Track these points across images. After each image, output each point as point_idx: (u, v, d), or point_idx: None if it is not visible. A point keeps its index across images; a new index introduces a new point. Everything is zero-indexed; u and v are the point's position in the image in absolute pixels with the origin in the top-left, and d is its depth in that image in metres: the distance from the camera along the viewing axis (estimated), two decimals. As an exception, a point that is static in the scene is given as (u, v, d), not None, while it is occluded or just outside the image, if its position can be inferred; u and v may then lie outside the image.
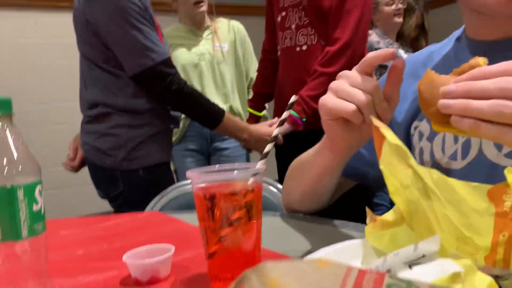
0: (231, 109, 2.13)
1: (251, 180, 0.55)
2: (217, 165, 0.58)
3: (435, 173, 0.42)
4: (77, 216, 0.95)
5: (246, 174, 0.54)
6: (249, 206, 0.54)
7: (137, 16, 1.36)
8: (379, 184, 0.84)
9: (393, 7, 2.45)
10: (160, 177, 1.52)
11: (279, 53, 1.75)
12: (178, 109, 1.53)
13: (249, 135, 1.60)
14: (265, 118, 2.08)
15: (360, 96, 0.57)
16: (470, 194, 0.40)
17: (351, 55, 1.56)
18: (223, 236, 0.54)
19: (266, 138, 1.61)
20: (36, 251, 0.48)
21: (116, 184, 1.47)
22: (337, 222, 0.80)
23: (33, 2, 3.26)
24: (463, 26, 0.72)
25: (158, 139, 1.52)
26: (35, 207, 0.48)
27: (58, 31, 3.33)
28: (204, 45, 2.10)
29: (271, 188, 1.26)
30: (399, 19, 2.47)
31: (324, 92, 1.71)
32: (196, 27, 2.13)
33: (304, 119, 1.59)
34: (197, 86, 2.07)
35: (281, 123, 0.57)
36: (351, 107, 0.57)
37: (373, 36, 2.43)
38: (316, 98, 1.56)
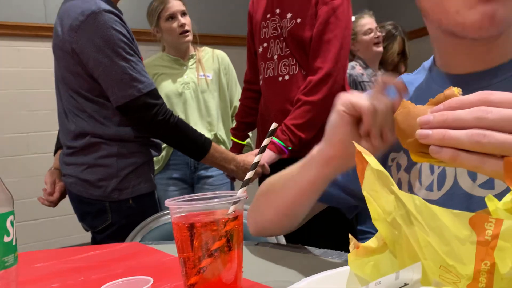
0: (215, 137, 2.12)
1: (231, 209, 0.54)
2: (196, 194, 0.57)
3: (418, 199, 0.42)
4: (57, 248, 0.92)
5: (226, 202, 0.54)
6: (230, 235, 0.53)
7: (124, 47, 1.36)
8: (351, 210, 0.84)
9: (372, 35, 2.49)
10: (148, 207, 1.50)
11: (261, 82, 1.76)
12: (164, 140, 1.51)
13: (236, 166, 1.59)
14: (248, 147, 2.08)
15: (380, 102, 0.59)
16: (452, 221, 0.40)
17: (332, 84, 1.58)
18: (203, 267, 0.52)
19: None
20: (6, 285, 0.46)
21: (104, 216, 1.44)
22: (320, 250, 0.79)
23: (16, 32, 3.25)
24: (432, 57, 0.73)
25: (145, 167, 1.51)
26: (6, 238, 0.46)
27: (40, 60, 3.32)
28: (189, 74, 2.12)
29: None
30: (379, 48, 2.50)
31: (309, 121, 1.70)
32: (181, 57, 2.15)
33: (290, 148, 1.59)
34: (181, 115, 2.07)
35: (261, 151, 0.57)
36: (371, 105, 0.59)
37: (357, 69, 2.44)
38: (301, 127, 1.57)
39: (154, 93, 1.42)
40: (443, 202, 0.64)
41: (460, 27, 0.59)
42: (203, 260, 0.52)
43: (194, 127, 2.05)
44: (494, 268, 0.38)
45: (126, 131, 1.44)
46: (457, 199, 0.63)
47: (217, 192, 0.58)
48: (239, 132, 1.94)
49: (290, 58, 1.65)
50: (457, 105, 0.44)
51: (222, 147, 1.61)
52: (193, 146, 1.51)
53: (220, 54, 2.23)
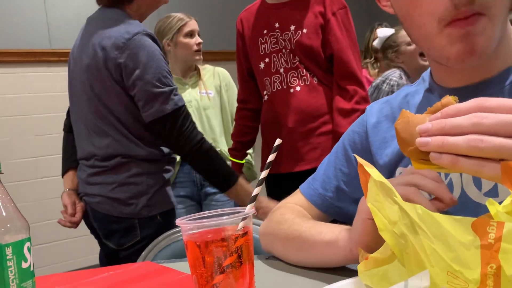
0: (221, 153, 2.14)
1: (241, 225, 0.55)
2: (206, 211, 0.59)
3: (420, 208, 0.43)
4: (70, 270, 0.93)
5: (235, 219, 0.55)
6: (240, 251, 0.54)
7: (165, 67, 1.43)
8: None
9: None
10: (173, 223, 1.52)
11: (266, 97, 1.78)
12: (193, 158, 1.49)
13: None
14: (249, 163, 2.08)
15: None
16: (455, 228, 0.41)
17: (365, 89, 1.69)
18: (216, 283, 0.54)
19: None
20: (25, 310, 0.47)
21: (133, 233, 1.47)
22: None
23: (21, 58, 3.31)
24: (429, 69, 0.75)
25: (169, 183, 1.56)
26: (24, 265, 0.47)
27: (46, 85, 3.37)
28: (190, 93, 2.14)
29: (257, 227, 1.25)
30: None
31: None
32: (183, 75, 2.17)
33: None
34: None
35: (267, 166, 0.58)
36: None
37: (403, 79, 2.34)
38: None
39: (187, 109, 1.46)
40: (452, 212, 0.65)
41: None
42: (215, 277, 0.53)
43: None
44: (500, 270, 0.39)
45: (157, 150, 1.49)
46: (466, 209, 0.63)
47: (225, 209, 0.59)
48: (237, 152, 1.96)
49: (300, 69, 1.69)
50: (454, 112, 0.46)
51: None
52: (221, 176, 1.52)
53: (221, 71, 2.26)
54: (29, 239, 0.49)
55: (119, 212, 1.45)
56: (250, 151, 2.08)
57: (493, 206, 0.42)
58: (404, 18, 0.64)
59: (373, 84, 2.22)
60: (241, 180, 1.55)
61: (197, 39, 2.13)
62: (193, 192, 2.13)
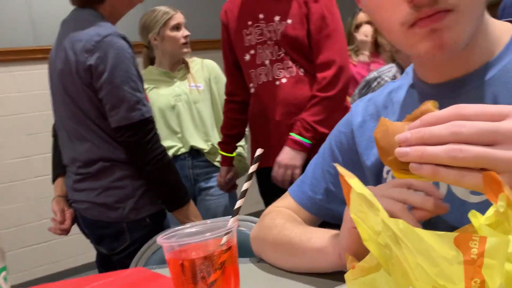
0: (213, 147, 2.12)
1: (224, 239, 0.54)
2: (188, 225, 0.57)
3: (402, 223, 0.42)
4: (67, 269, 0.92)
5: (218, 235, 0.54)
6: (225, 266, 0.53)
7: (135, 71, 1.39)
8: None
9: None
10: (163, 224, 1.53)
11: (253, 90, 1.76)
12: (150, 172, 1.43)
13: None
14: (239, 156, 2.07)
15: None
16: (438, 243, 0.40)
17: (346, 76, 1.61)
18: (201, 300, 0.53)
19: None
20: None
21: (123, 237, 1.45)
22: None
23: (7, 57, 3.26)
24: (412, 64, 0.73)
25: None
26: (1, 296, 0.46)
27: (34, 83, 3.33)
28: (179, 86, 2.11)
29: (252, 224, 1.24)
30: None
31: (329, 116, 1.73)
32: (171, 69, 2.14)
33: (312, 143, 1.61)
34: (175, 128, 2.07)
35: (249, 178, 0.57)
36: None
37: (396, 74, 2.35)
38: (322, 123, 1.59)
39: (153, 120, 1.44)
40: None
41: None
42: (201, 294, 0.53)
43: (191, 139, 2.06)
44: (484, 285, 0.38)
45: None
46: (453, 207, 0.63)
47: (208, 221, 0.58)
48: (227, 145, 1.95)
49: (286, 61, 1.66)
50: (433, 120, 0.45)
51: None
52: (174, 194, 1.50)
53: (210, 63, 2.23)
54: (5, 268, 0.48)
55: (107, 217, 1.44)
56: (242, 143, 2.07)
57: (476, 219, 0.41)
58: (373, 21, 0.64)
59: (366, 78, 2.19)
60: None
61: (184, 31, 2.10)
62: (187, 187, 2.12)
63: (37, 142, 3.32)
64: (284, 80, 1.65)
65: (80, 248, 3.24)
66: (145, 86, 2.07)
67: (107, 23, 1.42)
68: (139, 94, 1.39)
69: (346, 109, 1.66)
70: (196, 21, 3.84)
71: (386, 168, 0.73)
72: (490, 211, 0.40)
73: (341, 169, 0.51)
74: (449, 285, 0.40)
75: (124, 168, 1.44)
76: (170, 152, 2.06)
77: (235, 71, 1.85)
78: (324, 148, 0.85)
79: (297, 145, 1.60)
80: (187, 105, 2.09)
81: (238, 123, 1.92)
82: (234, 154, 1.98)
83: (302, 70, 1.65)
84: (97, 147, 1.42)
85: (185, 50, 2.10)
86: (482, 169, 0.42)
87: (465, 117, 0.43)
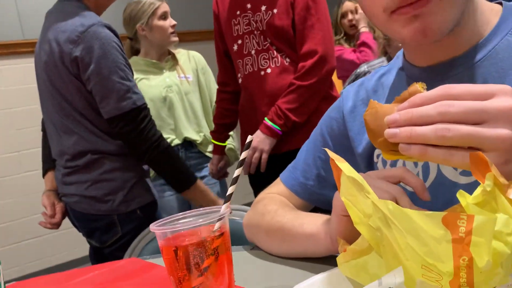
0: (205, 138, 2.12)
1: (217, 225, 0.54)
2: (181, 213, 0.58)
3: (391, 203, 0.43)
4: (61, 264, 0.92)
5: (211, 220, 0.54)
6: (218, 252, 0.54)
7: (122, 60, 1.38)
8: None
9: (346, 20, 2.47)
10: (154, 215, 1.53)
11: (240, 80, 1.76)
12: (150, 159, 1.46)
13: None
14: (233, 151, 2.08)
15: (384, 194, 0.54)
16: (426, 222, 0.40)
17: (327, 66, 1.61)
18: (195, 286, 0.53)
19: (255, 156, 1.64)
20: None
21: (114, 229, 1.45)
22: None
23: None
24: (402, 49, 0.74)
25: (146, 177, 1.53)
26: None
27: (22, 77, 3.29)
28: (170, 77, 2.10)
29: (244, 213, 1.25)
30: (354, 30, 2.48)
31: (303, 104, 1.73)
32: (158, 59, 2.13)
33: (283, 131, 1.61)
34: (168, 120, 2.06)
35: (240, 164, 0.57)
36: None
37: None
38: (296, 111, 1.59)
39: (146, 107, 1.43)
40: (431, 192, 0.65)
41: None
42: (194, 280, 0.53)
43: (184, 130, 2.05)
44: (472, 262, 0.39)
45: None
46: (443, 188, 0.64)
47: (201, 209, 0.59)
48: (219, 134, 1.97)
49: (271, 51, 1.66)
50: (421, 101, 0.45)
51: (207, 188, 1.60)
52: (180, 176, 1.51)
53: (196, 54, 2.23)
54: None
55: (97, 210, 1.44)
56: (231, 133, 2.08)
57: (463, 198, 0.42)
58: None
59: (356, 71, 2.19)
60: (199, 183, 1.55)
61: (171, 21, 2.08)
62: None
63: (26, 137, 3.29)
64: (268, 70, 1.66)
65: (72, 243, 3.23)
66: (134, 76, 2.05)
67: (91, 13, 1.40)
68: (128, 83, 1.38)
69: (332, 99, 1.66)
70: (184, 11, 3.82)
71: (376, 152, 0.74)
72: (478, 190, 0.41)
73: (332, 154, 0.51)
74: (438, 264, 0.41)
75: (113, 160, 1.43)
76: None
77: (226, 61, 1.85)
78: (315, 134, 0.85)
79: (267, 130, 1.62)
80: (178, 96, 2.08)
81: (230, 113, 1.92)
82: (226, 143, 1.99)
83: (288, 59, 1.65)
84: (85, 139, 1.41)
85: (173, 39, 2.08)
86: (470, 148, 0.43)
87: (453, 97, 0.43)
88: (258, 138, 1.62)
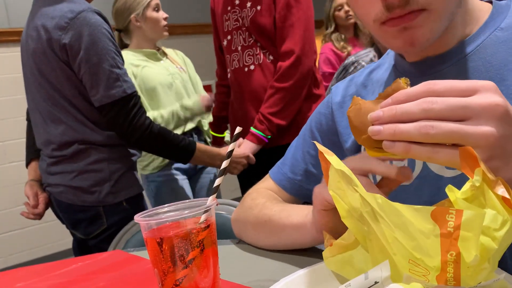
0: (200, 123, 2.10)
1: (203, 217, 0.54)
2: (166, 205, 0.57)
3: (380, 197, 0.42)
4: (45, 256, 0.90)
5: (197, 212, 0.53)
6: (203, 244, 0.53)
7: (112, 47, 1.36)
8: None
9: (342, 12, 2.47)
10: (141, 207, 1.52)
11: (229, 75, 1.79)
12: (148, 147, 1.48)
13: (222, 160, 1.59)
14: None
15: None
16: (415, 217, 0.40)
17: (302, 67, 1.60)
18: (179, 278, 0.52)
19: (237, 160, 1.64)
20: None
21: (99, 221, 1.43)
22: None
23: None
24: None
25: (133, 169, 1.52)
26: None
27: (7, 66, 3.24)
28: (171, 66, 2.08)
29: (231, 208, 1.24)
30: (352, 20, 2.48)
31: (284, 107, 1.76)
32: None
33: (269, 136, 1.62)
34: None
35: (228, 156, 0.56)
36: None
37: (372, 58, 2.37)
38: (277, 114, 1.60)
39: (136, 95, 1.41)
40: (417, 185, 0.65)
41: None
42: (179, 272, 0.52)
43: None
44: (459, 257, 0.39)
45: (115, 135, 1.43)
46: (429, 181, 0.64)
47: (187, 201, 0.58)
48: (217, 126, 2.00)
49: (254, 48, 1.67)
50: (404, 98, 0.45)
51: (204, 145, 1.62)
52: (180, 150, 1.51)
53: (178, 50, 2.22)
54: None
55: (83, 200, 1.42)
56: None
57: (452, 193, 0.42)
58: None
59: (344, 62, 2.20)
60: (199, 145, 1.55)
61: (163, 13, 2.06)
62: (187, 168, 2.09)
63: (11, 127, 3.24)
64: (252, 67, 1.68)
65: (57, 234, 3.20)
66: (136, 64, 1.98)
67: None
68: (118, 71, 1.36)
69: (316, 97, 1.67)
70: (176, 4, 3.79)
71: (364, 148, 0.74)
72: (466, 185, 0.41)
73: (320, 147, 0.51)
74: (426, 258, 0.40)
75: (100, 151, 1.41)
76: (179, 131, 1.98)
77: (222, 56, 1.87)
78: (304, 130, 0.85)
79: (253, 138, 1.64)
80: (181, 84, 2.06)
81: (226, 106, 1.94)
82: (225, 134, 2.01)
83: (271, 57, 1.67)
84: (73, 129, 1.39)
85: (165, 32, 2.07)
86: (454, 145, 0.42)
87: (436, 94, 0.43)
88: (244, 147, 1.64)
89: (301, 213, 0.69)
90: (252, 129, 1.64)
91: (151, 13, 2.00)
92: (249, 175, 1.66)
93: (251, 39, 1.66)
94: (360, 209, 0.46)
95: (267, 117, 1.60)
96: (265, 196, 0.82)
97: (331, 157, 0.49)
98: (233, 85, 1.78)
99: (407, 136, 0.43)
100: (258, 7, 1.61)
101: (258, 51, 1.66)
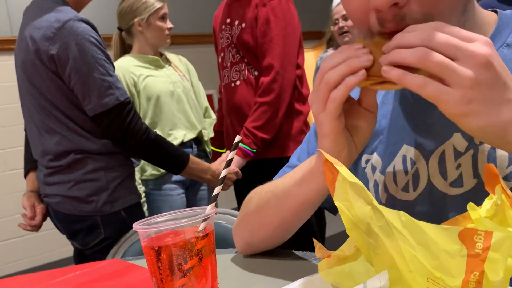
0: (200, 133, 2.10)
1: (202, 226, 0.54)
2: (165, 213, 0.57)
3: (404, 215, 0.42)
4: (44, 264, 0.90)
5: (196, 221, 0.53)
6: (202, 253, 0.53)
7: (102, 55, 1.35)
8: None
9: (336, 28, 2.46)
10: (139, 216, 1.49)
11: (222, 90, 1.86)
12: (143, 154, 1.48)
13: (212, 175, 1.61)
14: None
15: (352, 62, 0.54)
16: (441, 236, 0.40)
17: (282, 81, 1.64)
18: (177, 287, 0.52)
19: (228, 175, 1.62)
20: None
21: (97, 231, 1.42)
22: (299, 253, 0.78)
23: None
24: None
25: (131, 178, 1.51)
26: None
27: (9, 74, 3.24)
28: (173, 74, 2.07)
29: (230, 217, 1.24)
30: (345, 39, 2.47)
31: (268, 121, 1.82)
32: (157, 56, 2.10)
33: (254, 150, 1.65)
34: (178, 115, 2.01)
35: (227, 165, 0.56)
36: (359, 72, 0.53)
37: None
38: (261, 128, 1.64)
39: (130, 102, 1.40)
40: (419, 202, 0.65)
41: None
42: (177, 281, 0.52)
43: (198, 124, 2.03)
44: (482, 277, 0.38)
45: (111, 143, 1.42)
46: (432, 198, 0.63)
47: (185, 209, 0.58)
48: (217, 141, 2.02)
49: (241, 64, 1.73)
50: (412, 29, 0.49)
51: (197, 158, 1.61)
52: (174, 160, 1.51)
53: (183, 58, 2.23)
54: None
55: (80, 210, 1.40)
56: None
57: (475, 212, 0.42)
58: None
59: (317, 64, 2.22)
60: (192, 158, 1.55)
61: (168, 23, 2.06)
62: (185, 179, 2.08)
63: (11, 135, 3.25)
64: (238, 83, 1.73)
65: (56, 243, 3.19)
66: (139, 73, 1.99)
67: (67, 8, 1.36)
68: (109, 78, 1.35)
69: (299, 114, 1.70)
70: (180, 14, 3.81)
71: (364, 158, 0.73)
72: (488, 203, 0.41)
73: (328, 156, 0.49)
74: (447, 277, 0.40)
75: (97, 159, 1.40)
76: (178, 140, 1.99)
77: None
78: (309, 134, 0.85)
79: (239, 151, 1.66)
80: (183, 92, 2.06)
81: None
82: (224, 150, 2.00)
83: (256, 73, 1.70)
84: (68, 139, 1.38)
85: (168, 41, 2.07)
86: (442, 81, 0.46)
87: (443, 32, 0.47)
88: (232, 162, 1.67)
89: (300, 168, 0.67)
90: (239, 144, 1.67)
91: (156, 21, 2.00)
92: (244, 187, 1.68)
93: (238, 55, 1.72)
94: (369, 222, 0.45)
95: (251, 131, 1.64)
96: (264, 185, 0.78)
97: (341, 168, 0.48)
98: (223, 100, 1.84)
99: (403, 60, 0.48)
100: (243, 25, 1.68)
101: (243, 67, 1.71)
